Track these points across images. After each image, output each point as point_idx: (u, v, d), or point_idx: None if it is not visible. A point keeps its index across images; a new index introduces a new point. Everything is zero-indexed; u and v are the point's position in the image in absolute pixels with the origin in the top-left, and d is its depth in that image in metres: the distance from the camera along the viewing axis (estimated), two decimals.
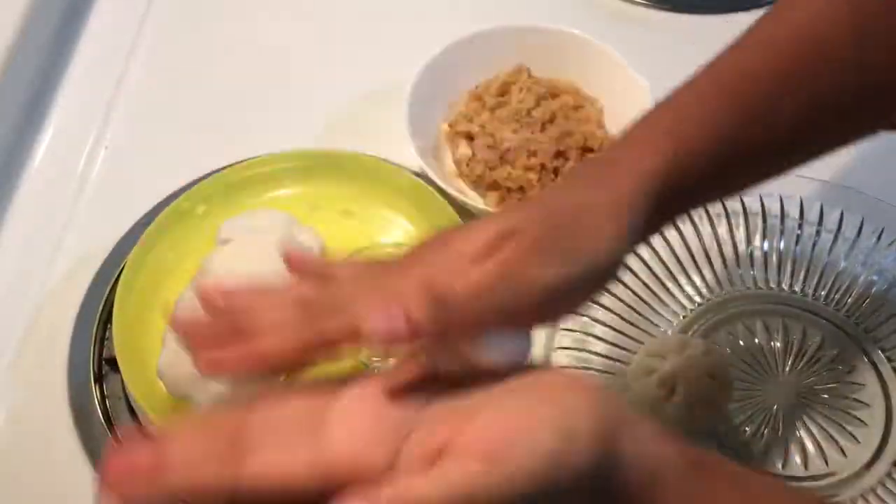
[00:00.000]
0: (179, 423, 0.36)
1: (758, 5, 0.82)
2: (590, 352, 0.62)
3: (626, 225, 0.43)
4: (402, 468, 0.33)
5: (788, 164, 0.51)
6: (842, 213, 0.67)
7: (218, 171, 0.69)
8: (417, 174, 0.69)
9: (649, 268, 0.66)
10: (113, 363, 0.62)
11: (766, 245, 0.68)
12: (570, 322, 0.63)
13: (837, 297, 0.66)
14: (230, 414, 0.36)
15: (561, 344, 0.62)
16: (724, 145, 0.46)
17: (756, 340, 0.64)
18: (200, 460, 0.33)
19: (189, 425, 0.36)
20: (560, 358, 0.62)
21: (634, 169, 0.44)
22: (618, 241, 0.43)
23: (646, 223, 0.45)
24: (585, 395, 0.36)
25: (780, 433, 0.60)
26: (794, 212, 0.68)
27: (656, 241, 0.67)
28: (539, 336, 0.62)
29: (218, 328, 0.39)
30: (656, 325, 0.65)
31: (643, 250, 0.67)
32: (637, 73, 0.72)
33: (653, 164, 0.44)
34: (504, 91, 0.73)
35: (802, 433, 0.60)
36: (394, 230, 0.67)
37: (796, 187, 0.68)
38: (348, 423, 0.34)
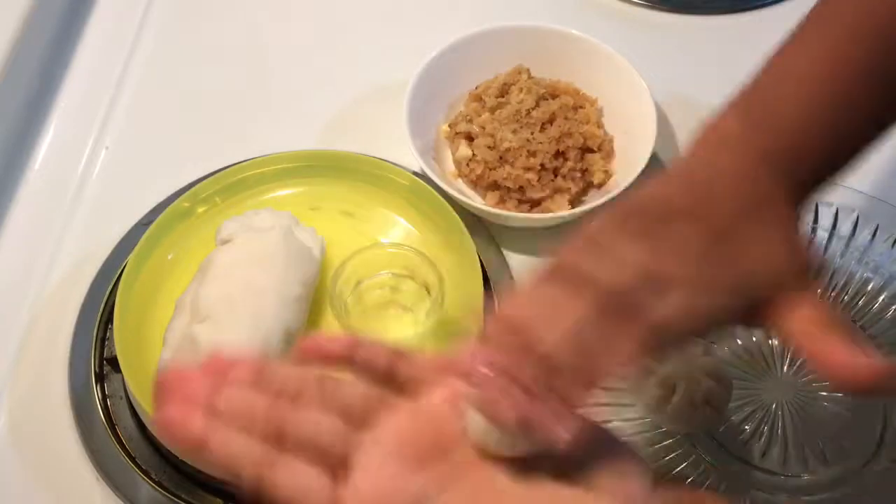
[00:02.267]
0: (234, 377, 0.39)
1: (758, 5, 0.82)
2: None
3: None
4: None
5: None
6: (837, 211, 0.68)
7: (218, 171, 0.69)
8: (417, 174, 0.69)
9: None
10: (114, 363, 0.62)
11: None
12: None
13: (834, 294, 0.66)
14: (277, 400, 0.39)
15: None
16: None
17: (754, 339, 0.64)
18: (238, 451, 0.37)
19: (239, 395, 0.39)
20: None
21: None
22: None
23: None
24: None
25: (779, 431, 0.60)
26: None
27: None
28: None
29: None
30: None
31: None
32: (637, 74, 0.72)
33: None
34: (504, 91, 0.73)
35: (801, 431, 0.60)
36: (394, 230, 0.67)
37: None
38: (371, 479, 0.37)
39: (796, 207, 0.44)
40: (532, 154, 0.69)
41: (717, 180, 0.43)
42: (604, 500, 0.38)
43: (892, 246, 0.66)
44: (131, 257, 0.63)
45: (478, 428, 0.38)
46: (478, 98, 0.73)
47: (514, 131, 0.70)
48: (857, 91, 0.45)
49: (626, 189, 0.67)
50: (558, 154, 0.70)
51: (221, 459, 0.38)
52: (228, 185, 0.68)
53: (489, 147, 0.70)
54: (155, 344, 0.58)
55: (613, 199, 0.67)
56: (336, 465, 0.38)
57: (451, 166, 0.73)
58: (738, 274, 0.41)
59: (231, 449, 0.37)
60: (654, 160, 0.69)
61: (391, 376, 0.41)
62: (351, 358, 0.41)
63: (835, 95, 0.45)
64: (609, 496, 0.38)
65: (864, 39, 0.45)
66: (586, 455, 0.39)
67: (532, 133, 0.70)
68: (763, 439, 0.60)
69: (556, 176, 0.70)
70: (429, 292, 0.62)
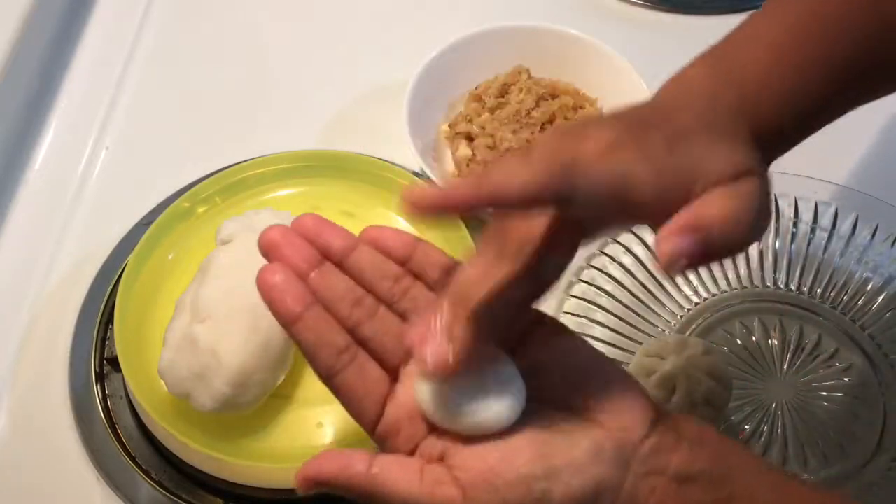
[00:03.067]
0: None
1: (757, 5, 0.82)
2: None
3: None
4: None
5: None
6: (836, 211, 0.68)
7: (218, 171, 0.69)
8: (417, 174, 0.69)
9: (646, 269, 0.66)
10: (114, 363, 0.63)
11: (761, 244, 0.68)
12: (570, 324, 0.64)
13: (833, 294, 0.66)
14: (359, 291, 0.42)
15: None
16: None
17: (754, 339, 0.64)
18: (321, 339, 0.40)
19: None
20: None
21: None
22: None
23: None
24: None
25: (778, 431, 0.60)
26: (788, 210, 0.68)
27: (653, 241, 0.67)
28: None
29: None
30: (654, 325, 0.65)
31: (640, 250, 0.67)
32: (637, 74, 0.72)
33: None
34: (504, 92, 0.73)
35: (801, 431, 0.60)
36: None
37: (791, 186, 0.68)
38: (409, 395, 0.41)
39: (750, 148, 0.43)
40: None
41: (682, 98, 0.44)
42: (596, 433, 0.39)
43: (892, 246, 0.66)
44: (131, 257, 0.63)
45: (422, 400, 0.40)
46: (478, 98, 0.73)
47: (514, 131, 0.70)
48: (820, 64, 0.46)
49: None
50: None
51: (305, 341, 0.40)
52: (228, 185, 0.68)
53: (489, 147, 0.70)
54: (155, 344, 0.58)
55: None
56: (394, 369, 0.41)
57: (451, 166, 0.73)
58: (679, 163, 0.41)
59: (316, 335, 0.40)
60: None
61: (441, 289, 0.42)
62: (408, 258, 0.43)
63: (798, 65, 0.46)
64: (603, 430, 0.39)
65: (827, 18, 0.46)
66: (587, 389, 0.40)
67: (532, 133, 0.70)
68: (763, 439, 0.60)
69: None
70: None
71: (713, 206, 0.40)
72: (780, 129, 0.45)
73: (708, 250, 0.39)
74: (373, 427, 0.41)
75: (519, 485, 0.38)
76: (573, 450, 0.39)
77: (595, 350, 0.43)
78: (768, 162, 0.46)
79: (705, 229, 0.39)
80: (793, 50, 0.46)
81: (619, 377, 0.41)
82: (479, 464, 0.39)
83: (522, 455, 0.39)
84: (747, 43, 0.47)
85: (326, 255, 0.42)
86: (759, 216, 0.41)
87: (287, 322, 0.40)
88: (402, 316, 0.42)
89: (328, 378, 0.41)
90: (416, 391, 0.40)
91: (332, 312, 0.41)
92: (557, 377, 0.41)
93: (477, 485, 0.39)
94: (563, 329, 0.43)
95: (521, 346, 0.42)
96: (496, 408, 0.39)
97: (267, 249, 0.42)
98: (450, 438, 0.40)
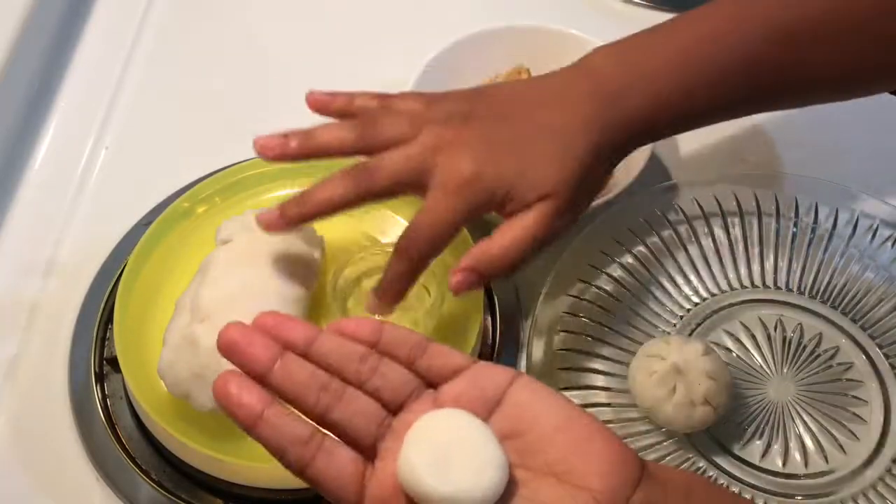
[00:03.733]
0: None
1: None
2: (589, 353, 0.63)
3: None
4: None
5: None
6: (836, 211, 0.68)
7: (218, 171, 0.69)
8: None
9: (647, 268, 0.66)
10: (114, 363, 0.63)
11: (761, 244, 0.68)
12: (570, 324, 0.64)
13: (833, 294, 0.66)
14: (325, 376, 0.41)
15: (561, 346, 0.63)
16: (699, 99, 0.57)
17: (754, 339, 0.64)
18: (286, 433, 0.40)
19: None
20: (560, 360, 0.62)
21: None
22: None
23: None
24: None
25: (779, 431, 0.60)
26: (788, 210, 0.68)
27: (653, 241, 0.67)
28: (539, 342, 0.62)
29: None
30: (655, 325, 0.65)
31: (640, 251, 0.67)
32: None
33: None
34: None
35: (802, 431, 0.60)
36: (394, 230, 0.67)
37: (791, 186, 0.68)
38: (391, 470, 0.40)
39: (601, 139, 0.55)
40: None
41: (561, 90, 0.57)
42: (584, 499, 0.38)
43: (892, 246, 0.66)
44: (131, 257, 0.63)
45: (404, 474, 0.39)
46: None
47: None
48: (713, 78, 0.56)
49: (626, 189, 0.67)
50: None
51: (269, 440, 0.40)
52: (228, 185, 0.68)
53: None
54: (155, 344, 0.58)
55: (613, 199, 0.67)
56: (370, 447, 0.41)
57: None
58: (504, 175, 0.54)
59: (278, 432, 0.40)
60: (653, 160, 0.69)
61: (411, 366, 0.42)
62: (375, 343, 0.42)
63: (691, 78, 0.56)
64: (591, 495, 0.38)
65: (747, 31, 0.55)
66: (568, 450, 0.39)
67: None
68: (763, 439, 0.60)
69: None
70: (428, 292, 0.62)
71: (493, 244, 0.54)
72: (652, 127, 0.57)
73: (483, 280, 0.54)
74: None
75: None
76: None
77: (572, 405, 0.41)
78: (634, 146, 0.58)
79: (479, 269, 0.54)
80: (692, 62, 0.56)
81: (600, 434, 0.40)
82: None
83: None
84: (656, 45, 0.58)
85: (289, 348, 0.41)
86: (533, 244, 0.54)
87: (248, 426, 0.40)
88: (374, 394, 0.41)
89: (301, 472, 0.40)
90: (400, 465, 0.39)
91: (298, 402, 0.40)
92: (535, 440, 0.40)
93: None
94: (536, 388, 0.42)
95: (496, 408, 0.41)
96: (480, 485, 0.38)
97: (226, 348, 0.41)
98: None
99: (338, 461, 0.40)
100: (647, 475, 0.40)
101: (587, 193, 0.57)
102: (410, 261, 0.54)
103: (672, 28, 0.57)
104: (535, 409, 0.41)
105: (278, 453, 0.40)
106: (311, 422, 0.40)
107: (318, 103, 0.58)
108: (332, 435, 0.40)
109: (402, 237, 0.54)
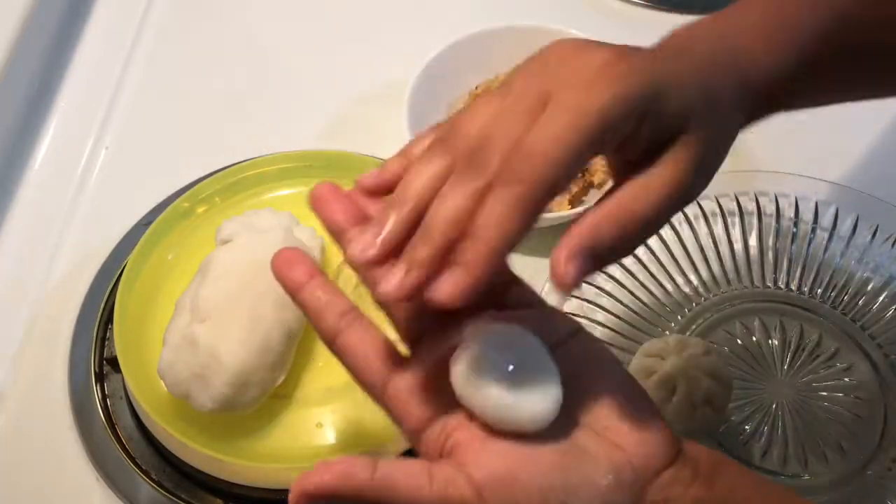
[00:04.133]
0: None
1: None
2: None
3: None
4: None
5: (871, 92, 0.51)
6: (837, 211, 0.68)
7: (218, 171, 0.69)
8: None
9: (647, 268, 0.66)
10: (114, 363, 0.63)
11: (762, 244, 0.68)
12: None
13: (834, 294, 0.66)
14: None
15: None
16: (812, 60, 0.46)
17: (754, 339, 0.64)
18: (325, 302, 0.41)
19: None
20: None
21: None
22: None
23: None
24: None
25: (779, 431, 0.60)
26: (789, 210, 0.68)
27: (653, 241, 0.67)
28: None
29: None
30: (654, 325, 0.65)
31: (640, 250, 0.67)
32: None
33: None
34: None
35: (801, 431, 0.60)
36: None
37: (791, 186, 0.68)
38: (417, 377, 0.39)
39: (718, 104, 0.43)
40: None
41: (686, 42, 0.44)
42: (617, 457, 0.38)
43: (892, 246, 0.66)
44: (131, 257, 0.63)
45: (458, 377, 0.38)
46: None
47: None
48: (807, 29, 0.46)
49: None
50: None
51: (309, 305, 0.40)
52: (228, 185, 0.68)
53: None
54: (155, 344, 0.58)
55: None
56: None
57: None
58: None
59: (320, 298, 0.40)
60: None
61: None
62: None
63: (792, 25, 0.46)
64: (625, 455, 0.38)
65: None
66: (614, 410, 0.39)
67: None
68: (763, 439, 0.60)
69: None
70: None
71: (618, 207, 0.40)
72: (773, 84, 0.45)
73: (601, 265, 0.40)
74: (379, 392, 0.40)
75: (536, 493, 0.37)
76: (594, 471, 0.38)
77: (626, 373, 0.42)
78: (755, 118, 0.46)
79: (597, 249, 0.39)
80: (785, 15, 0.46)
81: (647, 405, 0.40)
82: (497, 463, 0.37)
83: (543, 462, 0.38)
84: (745, 8, 0.46)
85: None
86: (670, 205, 0.41)
87: (293, 290, 0.41)
88: None
89: (331, 341, 0.40)
90: (453, 368, 0.38)
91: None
92: (583, 392, 0.40)
93: (492, 486, 0.37)
94: (596, 347, 0.42)
95: (554, 349, 0.40)
96: (540, 404, 0.37)
97: (315, 203, 0.42)
98: (463, 431, 0.38)
99: (370, 338, 0.40)
100: (681, 456, 0.40)
101: (721, 152, 0.44)
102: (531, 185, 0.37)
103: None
104: (589, 365, 0.41)
105: (316, 316, 0.40)
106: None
107: (372, 186, 0.42)
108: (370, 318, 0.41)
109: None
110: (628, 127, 0.39)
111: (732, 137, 0.44)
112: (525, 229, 0.37)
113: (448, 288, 0.37)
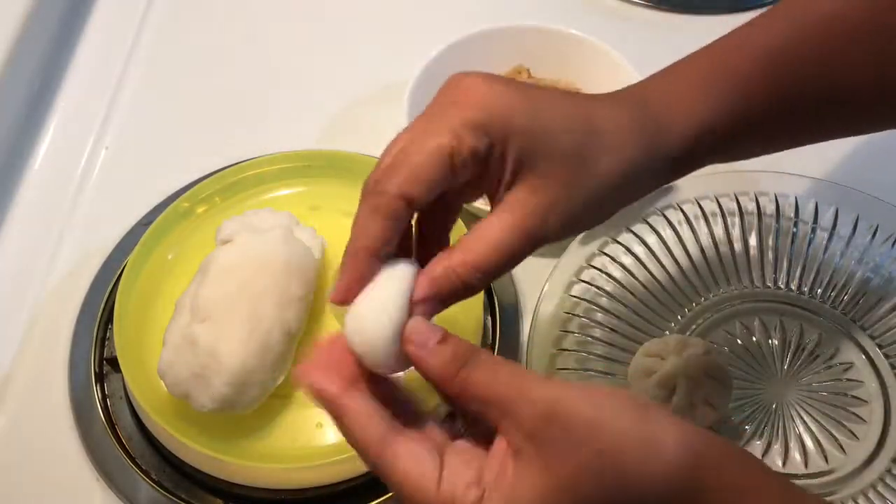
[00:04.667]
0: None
1: (757, 6, 0.82)
2: (589, 353, 0.63)
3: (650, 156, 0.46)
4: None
5: (797, 143, 0.53)
6: (836, 211, 0.68)
7: (218, 171, 0.69)
8: None
9: (647, 269, 0.66)
10: (114, 363, 0.63)
11: (762, 244, 0.68)
12: (569, 324, 0.64)
13: (833, 294, 0.66)
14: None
15: (561, 346, 0.63)
16: (740, 117, 0.48)
17: (754, 339, 0.64)
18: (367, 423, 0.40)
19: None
20: (560, 360, 0.62)
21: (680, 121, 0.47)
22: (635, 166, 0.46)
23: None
24: None
25: (779, 431, 0.60)
26: (789, 210, 0.68)
27: (653, 241, 0.67)
28: (546, 348, 0.62)
29: None
30: (654, 325, 0.65)
31: (640, 250, 0.67)
32: (637, 74, 0.72)
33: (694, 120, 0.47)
34: None
35: (802, 431, 0.60)
36: None
37: (791, 186, 0.68)
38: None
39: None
40: None
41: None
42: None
43: (893, 246, 0.66)
44: (131, 257, 0.63)
45: (351, 339, 0.41)
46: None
47: None
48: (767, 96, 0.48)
49: None
50: None
51: (353, 424, 0.40)
52: (228, 185, 0.68)
53: None
54: (155, 344, 0.58)
55: None
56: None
57: None
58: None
59: (361, 418, 0.40)
60: None
61: None
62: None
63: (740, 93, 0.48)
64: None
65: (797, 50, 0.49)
66: None
67: None
68: (763, 439, 0.60)
69: None
70: None
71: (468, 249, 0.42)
72: (692, 148, 0.47)
73: (451, 303, 0.43)
74: None
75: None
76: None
77: None
78: (675, 177, 0.50)
79: (439, 295, 0.42)
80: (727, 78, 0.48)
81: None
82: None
83: None
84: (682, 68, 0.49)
85: None
86: (524, 244, 0.43)
87: (334, 412, 0.41)
88: None
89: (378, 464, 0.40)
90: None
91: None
92: None
93: None
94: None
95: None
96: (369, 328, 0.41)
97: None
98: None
99: (419, 450, 0.40)
100: None
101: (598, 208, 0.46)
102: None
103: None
104: None
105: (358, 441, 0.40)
106: None
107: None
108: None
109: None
110: (478, 143, 0.42)
111: (619, 196, 0.46)
112: (386, 232, 0.41)
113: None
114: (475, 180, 0.43)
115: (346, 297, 0.42)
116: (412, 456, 0.39)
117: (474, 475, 0.38)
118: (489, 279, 0.43)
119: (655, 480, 0.37)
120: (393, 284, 0.41)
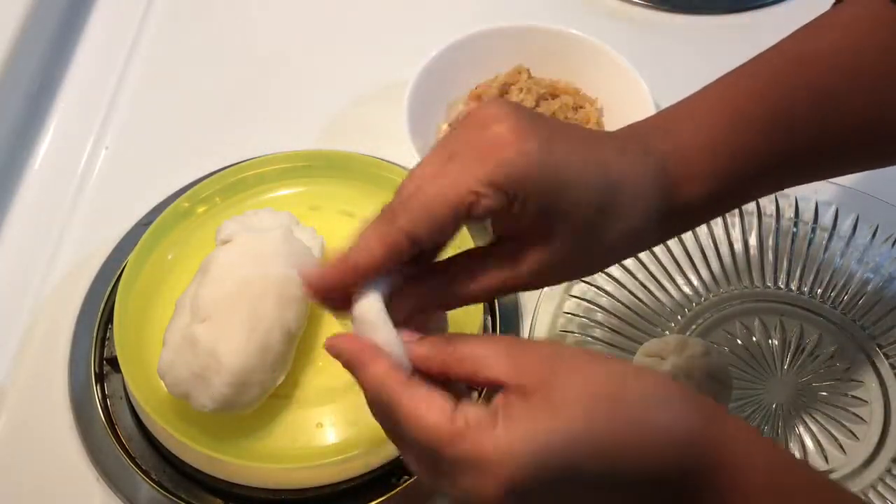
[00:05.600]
0: None
1: (758, 5, 0.82)
2: None
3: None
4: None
5: (809, 178, 0.51)
6: (837, 211, 0.68)
7: (218, 171, 0.69)
8: None
9: (647, 269, 0.66)
10: (114, 363, 0.63)
11: (762, 244, 0.68)
12: (570, 324, 0.64)
13: (834, 294, 0.66)
14: None
15: None
16: (751, 154, 0.47)
17: (754, 339, 0.64)
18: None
19: None
20: None
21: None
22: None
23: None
24: None
25: (779, 431, 0.60)
26: (788, 210, 0.68)
27: None
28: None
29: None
30: (655, 325, 0.65)
31: None
32: (637, 74, 0.72)
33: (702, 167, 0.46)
34: (504, 91, 0.73)
35: (802, 431, 0.60)
36: None
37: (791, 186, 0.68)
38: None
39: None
40: None
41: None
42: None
43: (892, 246, 0.66)
44: (131, 257, 0.63)
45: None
46: (478, 98, 0.73)
47: None
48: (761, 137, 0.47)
49: None
50: None
51: (373, 372, 0.41)
52: (228, 185, 0.68)
53: None
54: (155, 344, 0.58)
55: None
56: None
57: None
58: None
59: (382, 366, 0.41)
60: None
61: None
62: None
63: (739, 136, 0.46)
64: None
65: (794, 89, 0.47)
66: None
67: None
68: None
69: None
70: None
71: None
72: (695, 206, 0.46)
73: None
74: None
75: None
76: None
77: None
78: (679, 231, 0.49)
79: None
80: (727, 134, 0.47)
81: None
82: None
83: None
84: (691, 116, 0.47)
85: None
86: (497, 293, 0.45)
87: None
88: None
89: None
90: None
91: None
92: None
93: None
94: None
95: None
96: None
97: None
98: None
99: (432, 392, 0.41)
100: None
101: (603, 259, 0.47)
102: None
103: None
104: None
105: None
106: None
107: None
108: None
109: None
110: (496, 203, 0.41)
111: (627, 250, 0.47)
112: (386, 262, 0.42)
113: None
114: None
115: (321, 294, 0.43)
116: (428, 391, 0.40)
117: (486, 411, 0.39)
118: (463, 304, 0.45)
119: (664, 426, 0.38)
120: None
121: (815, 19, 0.49)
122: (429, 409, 0.39)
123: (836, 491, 0.43)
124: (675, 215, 0.46)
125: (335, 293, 0.43)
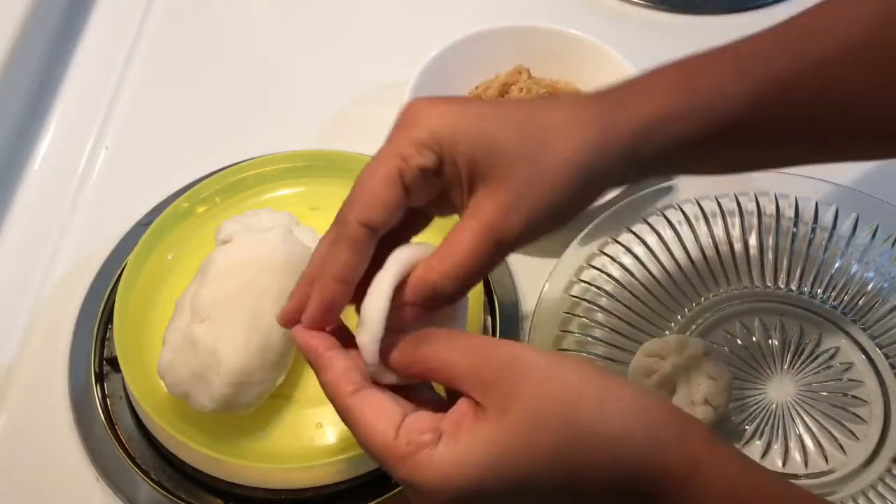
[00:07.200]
0: None
1: (758, 5, 0.82)
2: (589, 353, 0.63)
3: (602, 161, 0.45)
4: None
5: (790, 161, 0.52)
6: (836, 211, 0.68)
7: (218, 171, 0.69)
8: None
9: (646, 268, 0.66)
10: (114, 363, 0.63)
11: (762, 244, 0.68)
12: (570, 324, 0.64)
13: (833, 294, 0.66)
14: None
15: (561, 346, 0.63)
16: (731, 122, 0.46)
17: (754, 339, 0.64)
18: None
19: None
20: None
21: (637, 112, 0.46)
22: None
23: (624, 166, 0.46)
24: None
25: (779, 431, 0.60)
26: (788, 210, 0.68)
27: (653, 241, 0.67)
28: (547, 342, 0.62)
29: None
30: (654, 325, 0.65)
31: (640, 250, 0.67)
32: (636, 73, 0.72)
33: (655, 113, 0.46)
34: (504, 91, 0.73)
35: (802, 431, 0.60)
36: None
37: (791, 186, 0.68)
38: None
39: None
40: None
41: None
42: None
43: (892, 246, 0.66)
44: (131, 257, 0.63)
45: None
46: (478, 98, 0.73)
47: None
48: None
49: (625, 187, 0.67)
50: None
51: (329, 375, 0.43)
52: (228, 185, 0.68)
53: None
54: (155, 344, 0.58)
55: (612, 198, 0.67)
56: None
57: None
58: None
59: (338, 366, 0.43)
60: None
61: None
62: None
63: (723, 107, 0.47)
64: None
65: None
66: None
67: None
68: (763, 439, 0.60)
69: None
70: None
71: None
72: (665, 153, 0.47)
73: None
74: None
75: None
76: None
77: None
78: (644, 177, 0.50)
79: (430, 298, 0.43)
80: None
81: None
82: None
83: None
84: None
85: None
86: (495, 248, 0.44)
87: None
88: None
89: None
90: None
91: None
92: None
93: None
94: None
95: None
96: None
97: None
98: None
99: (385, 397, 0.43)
100: None
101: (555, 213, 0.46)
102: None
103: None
104: None
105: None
106: None
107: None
108: None
109: None
110: (426, 160, 0.43)
111: (576, 195, 0.45)
112: (352, 259, 0.43)
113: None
114: (443, 196, 0.45)
115: (293, 320, 0.45)
116: (379, 402, 0.41)
117: (432, 423, 0.40)
118: (463, 285, 0.43)
119: (612, 429, 0.38)
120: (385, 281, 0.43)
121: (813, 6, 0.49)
122: (375, 422, 0.40)
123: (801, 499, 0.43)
124: (621, 153, 0.45)
125: (327, 320, 0.44)
